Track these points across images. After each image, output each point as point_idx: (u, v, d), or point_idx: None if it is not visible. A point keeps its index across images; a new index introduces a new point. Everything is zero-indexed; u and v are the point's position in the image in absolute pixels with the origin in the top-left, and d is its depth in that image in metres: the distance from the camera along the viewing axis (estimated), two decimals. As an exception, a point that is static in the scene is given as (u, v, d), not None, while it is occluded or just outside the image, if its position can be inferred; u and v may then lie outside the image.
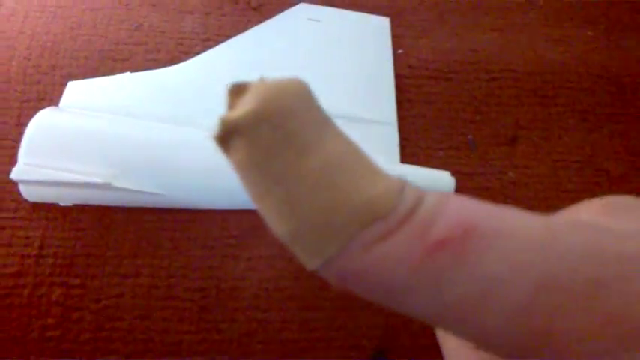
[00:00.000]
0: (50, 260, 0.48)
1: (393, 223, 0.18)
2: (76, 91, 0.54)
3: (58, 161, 0.48)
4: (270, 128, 0.19)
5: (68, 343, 0.45)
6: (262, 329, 0.47)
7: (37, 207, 0.50)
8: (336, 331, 0.48)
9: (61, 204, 0.50)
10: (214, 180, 0.50)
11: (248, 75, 0.55)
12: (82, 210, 0.50)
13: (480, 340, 0.19)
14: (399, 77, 0.59)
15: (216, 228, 0.51)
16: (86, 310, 0.46)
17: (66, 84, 0.55)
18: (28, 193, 0.49)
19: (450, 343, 0.33)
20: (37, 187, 0.49)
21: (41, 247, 0.48)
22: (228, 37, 0.61)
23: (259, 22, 0.62)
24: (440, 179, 0.53)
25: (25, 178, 0.47)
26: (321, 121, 0.20)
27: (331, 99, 0.56)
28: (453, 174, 0.53)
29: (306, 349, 0.47)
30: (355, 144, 0.20)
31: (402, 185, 0.19)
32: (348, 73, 0.59)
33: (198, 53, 0.59)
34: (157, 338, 0.46)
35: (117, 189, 0.48)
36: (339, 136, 0.20)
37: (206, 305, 0.48)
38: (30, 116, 0.50)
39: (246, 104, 0.20)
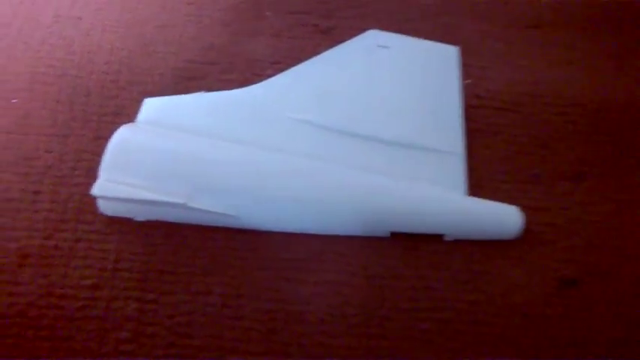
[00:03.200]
0: (125, 274, 0.49)
1: None
2: (152, 107, 0.55)
3: (137, 178, 0.49)
4: None
5: (142, 358, 0.46)
6: (328, 356, 0.47)
7: (113, 221, 0.51)
8: (400, 362, 0.48)
9: (136, 219, 0.51)
10: (285, 203, 0.51)
11: (318, 100, 0.56)
12: (155, 225, 0.51)
13: None
14: (467, 107, 0.60)
15: (284, 251, 0.52)
16: (159, 325, 0.47)
17: (142, 100, 0.56)
18: (106, 208, 0.50)
19: None
20: (115, 203, 0.50)
21: (116, 261, 0.50)
22: (298, 60, 0.62)
23: (328, 45, 0.63)
24: (509, 214, 0.53)
25: (105, 194, 0.49)
26: None
27: (400, 127, 0.57)
28: (521, 208, 0.53)
29: (372, 377, 0.47)
30: None
31: None
32: (415, 100, 0.59)
33: (269, 75, 0.60)
34: (227, 358, 0.46)
35: (191, 208, 0.49)
36: None
37: (273, 328, 0.48)
38: (107, 130, 0.52)
39: None
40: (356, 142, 0.55)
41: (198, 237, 0.51)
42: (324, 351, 0.48)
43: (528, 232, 0.53)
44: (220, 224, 0.52)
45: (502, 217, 0.53)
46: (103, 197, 0.49)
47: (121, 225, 0.51)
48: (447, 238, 0.53)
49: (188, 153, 0.51)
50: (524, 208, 0.54)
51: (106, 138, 0.51)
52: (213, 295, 0.49)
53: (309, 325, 0.49)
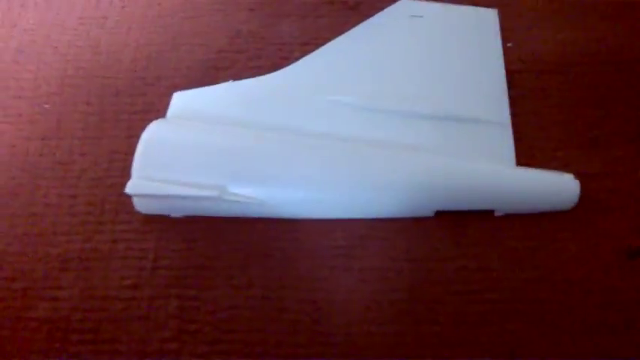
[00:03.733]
0: (165, 272, 0.48)
1: None
2: (181, 101, 0.54)
3: (170, 173, 0.48)
4: None
5: (186, 356, 0.45)
6: (377, 344, 0.45)
7: (149, 219, 0.51)
8: (454, 348, 0.45)
9: (172, 215, 0.50)
10: (322, 189, 0.49)
11: (351, 78, 0.53)
12: (192, 221, 0.50)
13: None
14: (510, 72, 0.56)
15: (325, 238, 0.50)
16: (202, 322, 0.46)
17: (171, 95, 0.55)
18: (142, 206, 0.50)
19: None
20: (150, 200, 0.49)
21: (155, 260, 0.49)
22: (327, 39, 0.59)
23: (358, 21, 0.60)
24: (563, 183, 0.49)
25: (139, 192, 0.48)
26: None
27: (440, 99, 0.54)
28: (576, 176, 0.49)
29: (424, 365, 0.44)
30: None
31: None
32: (456, 70, 0.56)
33: (298, 58, 0.57)
34: (273, 351, 0.45)
35: (227, 200, 0.48)
36: None
37: (318, 318, 0.46)
38: (139, 128, 0.51)
39: None
40: (396, 119, 0.52)
41: (236, 230, 0.50)
42: (371, 340, 0.45)
43: (588, 201, 0.49)
44: (258, 215, 0.50)
45: (556, 187, 0.49)
46: (138, 195, 0.49)
47: (158, 223, 0.51)
48: (497, 214, 0.49)
49: (220, 144, 0.50)
50: (582, 175, 0.50)
51: (137, 136, 0.51)
52: (254, 287, 0.48)
53: (355, 314, 0.47)
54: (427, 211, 0.49)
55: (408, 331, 0.46)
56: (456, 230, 0.49)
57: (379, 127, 0.52)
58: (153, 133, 0.50)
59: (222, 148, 0.50)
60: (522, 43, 0.58)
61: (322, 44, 0.59)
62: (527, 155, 0.52)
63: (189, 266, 0.49)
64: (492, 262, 0.48)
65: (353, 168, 0.49)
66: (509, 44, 0.58)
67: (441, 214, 0.49)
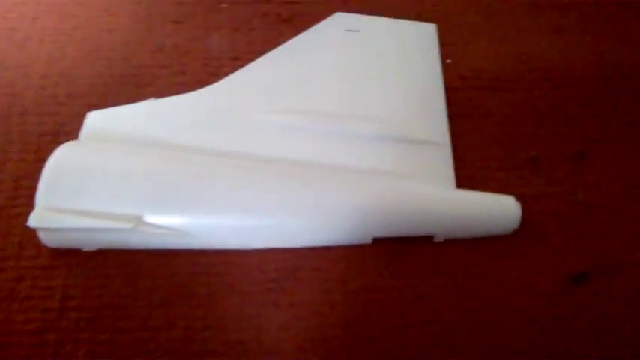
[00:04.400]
0: (74, 314, 0.43)
1: None
2: (96, 121, 0.50)
3: (79, 203, 0.43)
4: None
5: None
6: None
7: (59, 253, 0.46)
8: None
9: (85, 249, 0.45)
10: (249, 215, 0.45)
11: (282, 95, 0.50)
12: (107, 254, 0.46)
13: None
14: (449, 90, 0.53)
15: (254, 271, 0.46)
16: (115, 370, 0.41)
17: (85, 114, 0.50)
18: (48, 240, 0.45)
19: None
20: (57, 233, 0.44)
21: (63, 299, 0.44)
22: (260, 53, 0.56)
23: (292, 35, 0.57)
24: (504, 206, 0.47)
25: (44, 225, 0.43)
26: None
27: (376, 118, 0.51)
28: (517, 198, 0.47)
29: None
30: None
31: None
32: (393, 88, 0.53)
33: (227, 73, 0.53)
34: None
35: (144, 232, 0.43)
36: None
37: (247, 360, 0.42)
38: (48, 151, 0.46)
39: None
40: (329, 139, 0.49)
41: (156, 264, 0.46)
42: (303, 382, 0.42)
43: (528, 225, 0.47)
44: (180, 246, 0.46)
45: (497, 210, 0.47)
46: (42, 229, 0.43)
47: (69, 257, 0.46)
48: (437, 239, 0.47)
49: (136, 168, 0.45)
50: (523, 197, 0.48)
51: (46, 160, 0.45)
52: (176, 328, 0.43)
53: (287, 355, 0.43)
54: (364, 237, 0.46)
55: (345, 371, 0.42)
56: (394, 258, 0.46)
57: (312, 148, 0.48)
58: (60, 158, 0.45)
59: (138, 173, 0.45)
60: (462, 58, 0.56)
61: (254, 59, 0.55)
62: (467, 176, 0.50)
63: (101, 306, 0.44)
64: (432, 291, 0.45)
65: (283, 192, 0.45)
66: (448, 60, 0.56)
67: (378, 242, 0.46)
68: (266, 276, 0.45)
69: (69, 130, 0.50)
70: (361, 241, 0.46)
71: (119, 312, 0.44)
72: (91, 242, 0.45)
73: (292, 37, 0.57)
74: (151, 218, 0.44)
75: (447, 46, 0.56)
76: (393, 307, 0.44)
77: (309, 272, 0.46)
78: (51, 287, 0.44)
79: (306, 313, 0.44)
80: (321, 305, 0.44)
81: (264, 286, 0.45)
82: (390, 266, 0.46)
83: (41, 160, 0.47)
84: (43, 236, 0.45)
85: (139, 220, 0.43)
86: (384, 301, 0.44)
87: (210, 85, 0.53)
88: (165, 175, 0.46)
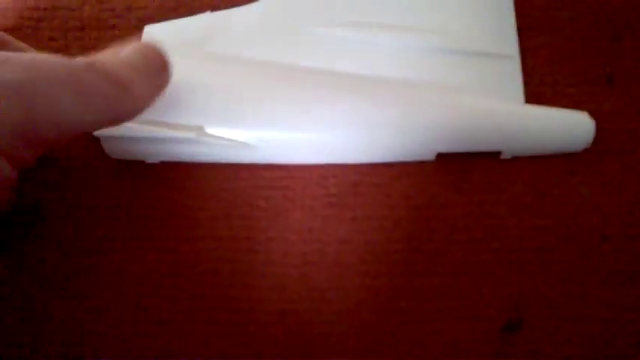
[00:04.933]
0: (140, 222, 0.44)
1: None
2: (153, 35, 0.49)
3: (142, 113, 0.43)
4: None
5: (166, 313, 0.41)
6: (373, 298, 0.42)
7: (123, 164, 0.46)
8: (455, 301, 0.42)
9: (148, 161, 0.46)
10: (311, 128, 0.44)
11: (344, 8, 0.48)
12: (170, 168, 0.46)
13: None
14: (518, 0, 0.50)
15: (315, 186, 0.45)
16: (181, 276, 0.42)
17: (142, 28, 0.49)
18: (111, 150, 0.45)
19: None
20: (120, 143, 0.45)
21: (129, 209, 0.44)
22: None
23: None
24: (577, 121, 0.44)
25: (107, 133, 0.43)
26: None
27: (442, 30, 0.48)
28: (590, 114, 0.45)
29: (423, 320, 0.41)
30: None
31: None
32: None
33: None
34: (259, 307, 0.41)
35: (206, 142, 0.43)
36: None
37: (308, 272, 0.43)
38: (108, 66, 0.46)
39: None
40: (393, 52, 0.47)
41: (220, 177, 0.46)
42: (367, 294, 0.42)
43: (601, 142, 0.45)
44: (242, 160, 0.45)
45: (569, 126, 0.45)
46: (105, 137, 0.44)
47: (134, 169, 0.46)
48: (504, 156, 0.45)
49: (197, 79, 0.45)
50: (595, 113, 0.45)
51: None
52: (239, 240, 0.44)
53: (349, 266, 0.43)
54: (428, 153, 0.45)
55: (407, 284, 0.42)
56: (459, 175, 0.45)
57: (374, 61, 0.47)
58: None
59: (200, 84, 0.44)
60: (533, -33, 0.52)
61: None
62: (536, 93, 0.47)
63: (166, 216, 0.44)
64: (499, 209, 0.44)
65: (346, 105, 0.44)
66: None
67: (442, 158, 0.45)
68: (327, 191, 0.45)
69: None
70: (425, 157, 0.45)
71: (184, 222, 0.44)
72: (153, 153, 0.46)
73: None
74: (213, 130, 0.43)
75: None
76: (458, 223, 0.43)
77: (370, 187, 0.45)
78: (118, 197, 0.45)
79: (368, 228, 0.44)
80: (383, 220, 0.44)
81: (325, 200, 0.45)
82: (455, 183, 0.45)
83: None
84: (106, 147, 0.45)
85: (200, 129, 0.43)
86: (449, 217, 0.44)
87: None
88: (224, 86, 0.45)
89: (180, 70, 0.45)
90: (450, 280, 0.42)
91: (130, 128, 0.42)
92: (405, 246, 0.43)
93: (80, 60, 0.34)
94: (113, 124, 0.36)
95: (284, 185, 0.45)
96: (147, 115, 0.42)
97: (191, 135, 0.42)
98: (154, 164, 0.46)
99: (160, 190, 0.45)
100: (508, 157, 0.45)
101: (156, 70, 0.38)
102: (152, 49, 0.38)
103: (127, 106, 0.35)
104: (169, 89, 0.44)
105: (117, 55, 0.36)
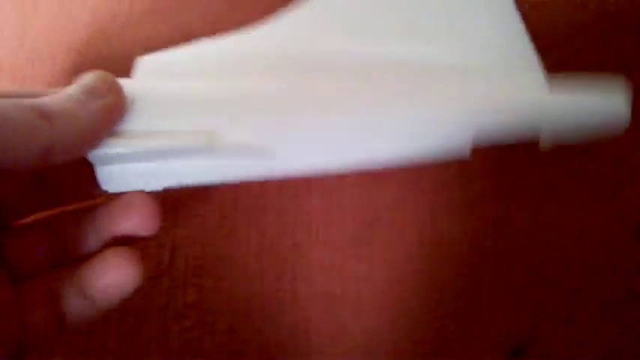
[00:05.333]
0: (182, 264, 0.49)
1: None
2: (148, 66, 0.42)
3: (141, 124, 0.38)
4: None
5: (207, 343, 0.47)
6: (390, 329, 0.47)
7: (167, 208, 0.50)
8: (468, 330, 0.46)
9: (149, 188, 0.39)
10: (337, 131, 0.41)
11: (352, 24, 0.46)
12: (205, 210, 0.50)
13: None
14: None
15: (337, 224, 0.49)
16: (219, 313, 0.48)
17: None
18: (107, 178, 0.38)
19: None
20: (118, 166, 0.38)
21: (173, 250, 0.50)
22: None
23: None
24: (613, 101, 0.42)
25: (101, 152, 0.36)
26: None
27: (453, 51, 0.47)
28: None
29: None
30: None
31: None
32: (466, 16, 0.47)
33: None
34: (289, 343, 0.47)
35: (220, 152, 0.38)
36: None
37: (332, 306, 0.48)
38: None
39: None
40: (411, 67, 0.44)
41: (248, 222, 0.50)
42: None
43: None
44: (258, 174, 0.40)
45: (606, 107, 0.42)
46: (98, 157, 0.36)
47: (176, 213, 0.50)
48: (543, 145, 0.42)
49: (203, 92, 0.40)
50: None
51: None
52: (269, 276, 0.49)
53: (368, 317, 0.48)
54: (463, 145, 0.42)
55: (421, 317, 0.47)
56: (466, 217, 0.48)
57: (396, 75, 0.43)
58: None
59: (207, 95, 0.40)
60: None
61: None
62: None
63: (204, 256, 0.50)
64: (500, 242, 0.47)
65: (375, 101, 0.42)
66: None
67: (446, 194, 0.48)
68: (351, 229, 0.49)
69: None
70: (460, 152, 0.42)
71: (220, 262, 0.50)
72: (156, 174, 0.39)
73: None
74: (227, 133, 0.39)
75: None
76: (463, 260, 0.47)
77: (385, 227, 0.49)
78: (162, 240, 0.50)
79: (384, 264, 0.48)
80: (397, 257, 0.48)
81: (347, 240, 0.49)
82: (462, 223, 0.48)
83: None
84: (101, 176, 0.38)
85: (212, 134, 0.38)
86: (455, 252, 0.47)
87: (270, 23, 0.45)
88: (239, 88, 0.41)
89: (181, 83, 0.41)
90: (463, 311, 0.46)
91: (127, 142, 0.37)
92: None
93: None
94: (52, 153, 0.31)
95: (306, 220, 0.49)
96: (143, 124, 0.38)
97: (201, 142, 0.38)
98: (192, 209, 0.51)
99: (199, 231, 0.50)
100: (547, 146, 0.42)
101: (98, 94, 0.36)
102: (94, 74, 0.37)
103: (53, 130, 0.32)
104: (170, 92, 0.40)
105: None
